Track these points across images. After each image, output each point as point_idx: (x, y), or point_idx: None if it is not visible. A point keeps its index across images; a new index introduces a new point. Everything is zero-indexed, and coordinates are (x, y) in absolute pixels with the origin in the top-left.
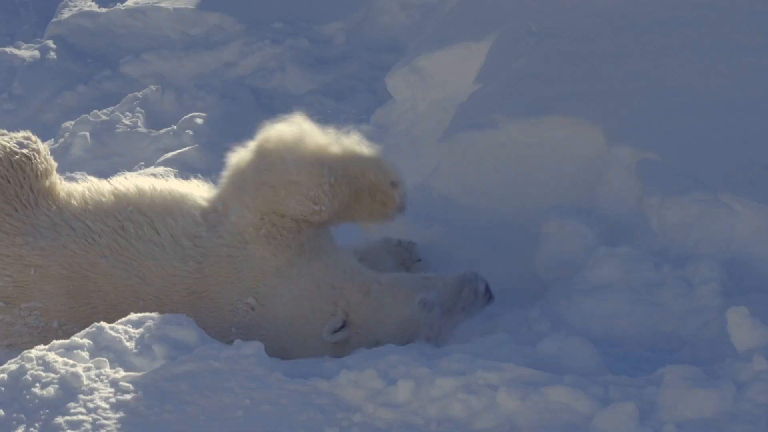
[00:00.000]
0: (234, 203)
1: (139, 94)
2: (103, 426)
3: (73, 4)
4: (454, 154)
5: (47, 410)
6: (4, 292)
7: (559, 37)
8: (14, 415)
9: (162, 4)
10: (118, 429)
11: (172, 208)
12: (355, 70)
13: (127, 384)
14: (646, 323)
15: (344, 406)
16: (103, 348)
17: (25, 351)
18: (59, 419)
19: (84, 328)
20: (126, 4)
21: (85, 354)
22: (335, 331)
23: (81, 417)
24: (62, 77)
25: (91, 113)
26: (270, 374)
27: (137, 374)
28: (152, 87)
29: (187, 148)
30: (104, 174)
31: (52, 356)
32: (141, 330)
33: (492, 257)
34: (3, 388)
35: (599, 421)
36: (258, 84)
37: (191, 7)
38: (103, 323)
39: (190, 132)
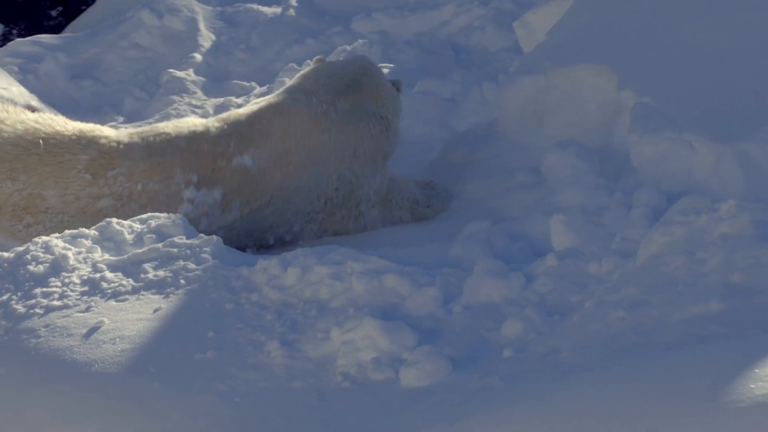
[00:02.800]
0: None
1: (348, 47)
2: (67, 296)
3: None
4: (509, 95)
5: (32, 283)
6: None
7: None
8: (6, 285)
9: None
10: (77, 297)
11: None
12: None
13: (102, 265)
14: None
15: (250, 287)
16: (106, 239)
17: (40, 237)
18: (37, 290)
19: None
20: None
21: (87, 242)
22: None
23: (54, 289)
24: (296, 32)
25: (303, 63)
26: (210, 261)
27: (113, 258)
28: (360, 41)
29: None
30: None
31: (55, 241)
32: (143, 226)
33: (508, 181)
34: (6, 264)
35: (409, 302)
36: (461, 41)
37: None
38: (113, 219)
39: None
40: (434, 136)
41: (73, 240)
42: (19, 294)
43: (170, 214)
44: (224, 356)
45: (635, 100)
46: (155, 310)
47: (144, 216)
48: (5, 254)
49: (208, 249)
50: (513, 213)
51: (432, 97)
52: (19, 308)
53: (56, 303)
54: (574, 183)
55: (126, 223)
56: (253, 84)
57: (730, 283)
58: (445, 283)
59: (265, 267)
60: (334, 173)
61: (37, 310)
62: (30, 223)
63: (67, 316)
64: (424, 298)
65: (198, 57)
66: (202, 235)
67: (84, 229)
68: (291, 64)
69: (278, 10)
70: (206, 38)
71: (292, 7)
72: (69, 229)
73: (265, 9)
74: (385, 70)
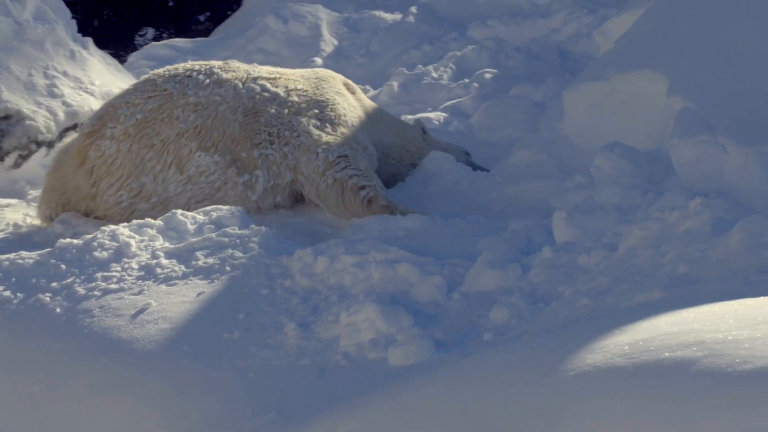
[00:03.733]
0: None
1: (458, 53)
2: (124, 280)
3: None
4: (574, 100)
5: (95, 267)
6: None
7: (678, 4)
8: (72, 269)
9: None
10: (132, 281)
11: None
12: None
13: (160, 252)
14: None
15: (285, 274)
16: (170, 228)
17: (108, 225)
18: (98, 274)
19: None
20: None
21: (152, 231)
22: None
23: (114, 273)
24: (414, 38)
25: (416, 68)
26: (256, 250)
27: (171, 246)
28: (470, 47)
29: (464, 98)
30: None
31: (122, 230)
32: (206, 218)
33: (567, 181)
34: (74, 250)
35: (416, 289)
36: (568, 48)
37: None
38: (178, 210)
39: (476, 85)
40: (517, 138)
41: (139, 229)
42: (82, 277)
43: (232, 206)
44: (248, 336)
45: (681, 105)
46: (198, 294)
47: (208, 208)
48: (75, 241)
49: (256, 239)
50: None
51: (523, 101)
52: (80, 290)
53: (113, 286)
54: (613, 183)
55: (190, 214)
56: (368, 87)
57: (677, 273)
58: (451, 273)
59: (301, 256)
60: None
61: (96, 293)
62: None
63: (121, 298)
64: (429, 286)
65: (319, 61)
66: (253, 226)
67: (150, 219)
68: (401, 68)
69: (399, 16)
70: (328, 43)
71: (412, 14)
72: None
73: (387, 15)
74: (488, 75)
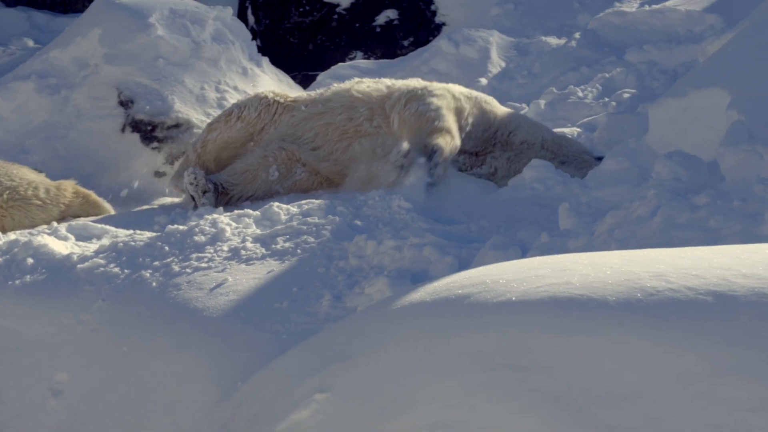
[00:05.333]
0: None
1: (607, 75)
2: (213, 260)
3: (619, 5)
4: (657, 114)
5: (192, 249)
6: None
7: (763, 31)
8: (173, 251)
9: (680, 7)
10: (219, 261)
11: None
12: None
13: (249, 237)
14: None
15: (342, 256)
16: (266, 218)
17: (212, 214)
18: (193, 255)
19: None
20: (653, 6)
21: (249, 220)
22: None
23: (206, 255)
24: (574, 60)
25: (567, 87)
26: (327, 236)
27: (260, 232)
28: (618, 69)
29: (599, 115)
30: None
31: (222, 218)
32: (297, 210)
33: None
34: (178, 234)
35: (432, 268)
36: None
37: (698, 9)
38: (275, 203)
39: (614, 103)
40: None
41: (238, 218)
42: (180, 258)
43: (322, 200)
44: (293, 306)
45: (736, 118)
46: (269, 272)
47: (303, 201)
48: (181, 227)
49: (329, 227)
50: None
51: (643, 117)
52: (176, 268)
53: (203, 265)
54: (660, 185)
55: (285, 206)
56: (523, 105)
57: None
58: (467, 255)
59: (357, 240)
60: None
61: (188, 270)
62: None
63: (206, 275)
64: (443, 265)
65: (483, 81)
66: (330, 216)
67: (249, 210)
68: (551, 88)
69: (563, 41)
70: (496, 65)
71: (575, 39)
72: None
73: (553, 40)
74: (626, 95)
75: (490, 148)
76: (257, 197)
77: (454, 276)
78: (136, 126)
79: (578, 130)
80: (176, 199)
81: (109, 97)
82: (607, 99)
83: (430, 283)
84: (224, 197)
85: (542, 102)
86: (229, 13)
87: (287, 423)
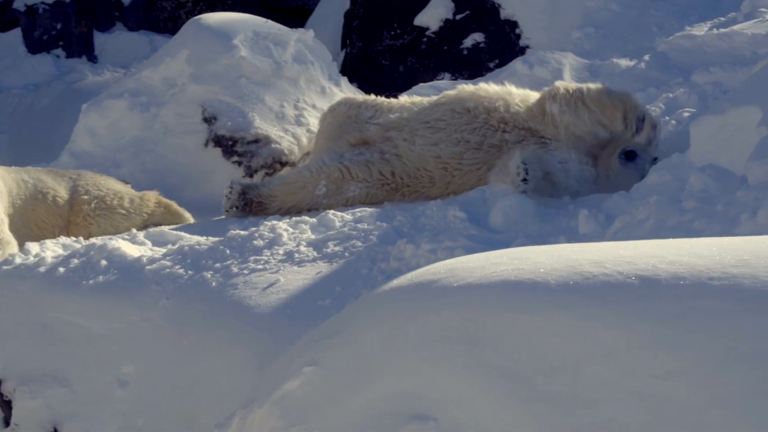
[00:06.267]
0: None
1: (671, 95)
2: (269, 263)
3: (690, 28)
4: (697, 130)
5: (251, 253)
6: None
7: None
8: (234, 254)
9: (746, 30)
10: (275, 263)
11: None
12: None
13: (303, 242)
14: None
15: (385, 259)
16: (322, 225)
17: (271, 220)
18: (252, 257)
19: None
20: (721, 30)
21: (305, 227)
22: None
23: (264, 257)
24: (642, 81)
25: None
26: (373, 241)
27: (314, 237)
28: (681, 90)
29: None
30: None
31: (280, 224)
32: (351, 217)
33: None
34: (239, 239)
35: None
36: None
37: (762, 32)
38: (330, 210)
39: (674, 122)
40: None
41: (295, 224)
42: (239, 260)
43: (374, 208)
44: (335, 303)
45: (766, 134)
46: (317, 273)
47: (356, 209)
48: (242, 232)
49: (376, 232)
50: None
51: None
52: (235, 270)
53: (259, 267)
54: (689, 195)
55: (340, 214)
56: None
57: None
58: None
59: (399, 245)
60: None
61: (245, 271)
62: None
63: (261, 275)
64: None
65: None
66: (378, 223)
67: (306, 217)
68: None
69: (633, 63)
70: None
71: (644, 61)
72: None
73: (623, 62)
74: (686, 114)
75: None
76: (299, 210)
77: (433, 265)
78: (218, 141)
79: None
80: None
81: (194, 114)
82: (668, 117)
83: (414, 272)
84: (260, 209)
85: None
86: (310, 35)
87: (281, 392)
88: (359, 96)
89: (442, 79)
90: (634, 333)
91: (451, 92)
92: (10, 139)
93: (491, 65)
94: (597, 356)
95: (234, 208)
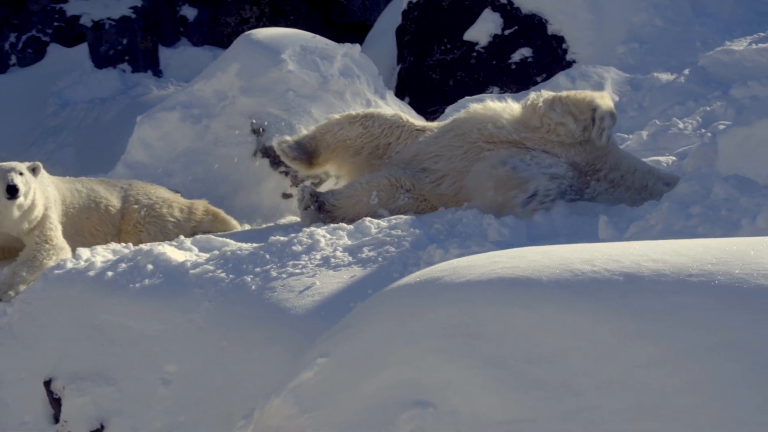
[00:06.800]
0: None
1: (708, 108)
2: (306, 267)
3: (729, 43)
4: (725, 142)
5: (289, 257)
6: None
7: None
8: (273, 258)
9: None
10: (312, 268)
11: None
12: None
13: (339, 247)
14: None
15: (416, 263)
16: (358, 231)
17: (310, 227)
18: (290, 262)
19: None
20: (759, 45)
21: (342, 233)
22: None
23: (302, 262)
24: (681, 95)
25: (683, 120)
26: (406, 246)
27: (350, 243)
28: (719, 103)
29: (693, 145)
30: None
31: (319, 231)
32: (386, 224)
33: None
34: (279, 245)
35: None
36: None
37: None
38: (367, 218)
39: (710, 134)
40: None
41: (333, 231)
42: (278, 264)
43: (408, 215)
44: None
45: None
46: (351, 276)
47: (392, 217)
48: (282, 238)
49: (409, 239)
50: None
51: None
52: (273, 274)
53: (297, 271)
54: (713, 204)
55: (376, 221)
56: (630, 136)
57: None
58: None
59: (429, 250)
60: None
61: (283, 275)
62: None
63: (298, 279)
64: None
65: None
66: (412, 230)
67: (344, 224)
68: (654, 120)
69: (673, 77)
70: None
71: (684, 75)
72: None
73: (664, 76)
74: (721, 126)
75: (598, 168)
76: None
77: (439, 264)
78: (266, 152)
79: (673, 158)
80: (298, 219)
81: (243, 125)
82: (704, 130)
83: (421, 271)
84: (328, 217)
85: (645, 133)
86: (357, 49)
87: (297, 381)
88: (390, 116)
89: (491, 92)
90: (618, 325)
91: (459, 114)
92: (76, 151)
93: (538, 79)
94: (583, 347)
95: (310, 209)
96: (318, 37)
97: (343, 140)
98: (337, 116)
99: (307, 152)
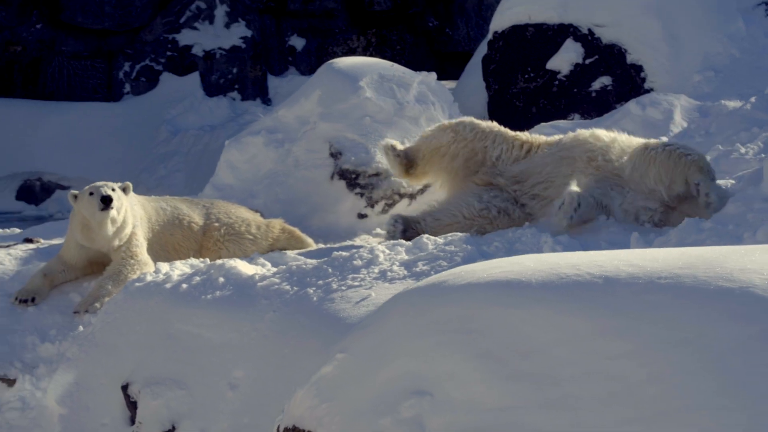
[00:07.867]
0: None
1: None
2: (364, 280)
3: None
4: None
5: (350, 271)
6: None
7: None
8: (335, 272)
9: None
10: (370, 280)
11: None
12: None
13: (397, 262)
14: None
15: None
16: (416, 247)
17: (370, 242)
18: (350, 275)
19: None
20: None
21: (401, 249)
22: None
23: (361, 275)
24: (747, 122)
25: (734, 145)
26: (458, 262)
27: (407, 258)
28: None
29: (752, 170)
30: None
31: (378, 246)
32: (443, 240)
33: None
34: (341, 259)
35: None
36: None
37: None
38: (425, 236)
39: None
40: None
41: (392, 247)
42: (339, 277)
43: (465, 234)
44: None
45: None
46: (404, 288)
47: (449, 234)
48: (344, 253)
49: (461, 254)
50: None
51: None
52: (334, 286)
53: (356, 284)
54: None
55: (433, 238)
56: None
57: None
58: None
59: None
60: None
61: (342, 287)
62: None
63: (356, 291)
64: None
65: (664, 139)
66: (464, 245)
67: (403, 241)
68: (717, 145)
69: (740, 104)
70: (677, 125)
71: (750, 102)
72: None
73: (731, 103)
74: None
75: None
76: None
77: (450, 269)
78: (343, 174)
79: (732, 181)
80: (373, 238)
81: (322, 149)
82: (764, 155)
83: (435, 275)
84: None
85: (708, 157)
86: (432, 77)
87: (317, 375)
88: (483, 123)
89: (572, 119)
90: (595, 322)
91: (567, 138)
92: (186, 176)
93: (617, 106)
94: (564, 341)
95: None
96: (396, 65)
97: (437, 147)
98: (429, 128)
99: (408, 158)
